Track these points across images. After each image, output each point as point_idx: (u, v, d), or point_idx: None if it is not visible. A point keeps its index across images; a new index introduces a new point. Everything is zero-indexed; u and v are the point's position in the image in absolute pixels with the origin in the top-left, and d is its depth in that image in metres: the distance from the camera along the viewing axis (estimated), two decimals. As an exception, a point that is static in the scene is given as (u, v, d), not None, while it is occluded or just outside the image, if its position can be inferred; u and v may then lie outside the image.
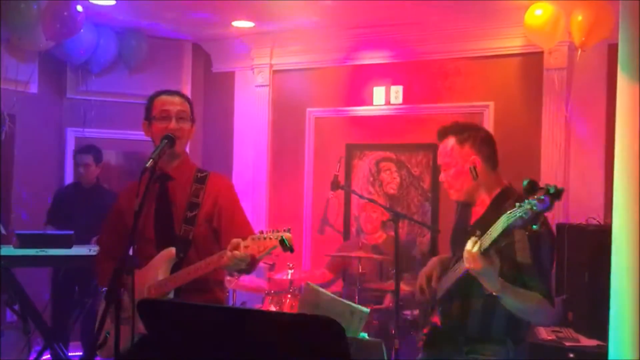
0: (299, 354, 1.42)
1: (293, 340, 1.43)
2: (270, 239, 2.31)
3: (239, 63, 6.06)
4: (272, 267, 4.99)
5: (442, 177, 2.55)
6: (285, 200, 5.86)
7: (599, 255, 3.80)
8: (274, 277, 4.85)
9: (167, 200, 2.61)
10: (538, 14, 4.48)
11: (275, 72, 5.91)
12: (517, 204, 1.98)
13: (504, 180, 2.55)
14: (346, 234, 5.59)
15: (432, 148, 5.23)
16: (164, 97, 2.68)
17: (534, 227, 1.95)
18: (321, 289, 2.01)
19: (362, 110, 5.57)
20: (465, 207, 2.62)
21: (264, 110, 5.92)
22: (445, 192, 5.13)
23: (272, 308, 4.46)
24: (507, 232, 2.03)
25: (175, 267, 2.53)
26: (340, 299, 1.96)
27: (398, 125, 5.40)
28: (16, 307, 4.32)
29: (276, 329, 1.46)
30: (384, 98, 5.46)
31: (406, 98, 5.39)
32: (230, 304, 4.87)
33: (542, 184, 1.85)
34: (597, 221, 4.30)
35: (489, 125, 5.05)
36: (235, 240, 2.36)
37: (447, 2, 4.70)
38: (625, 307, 1.73)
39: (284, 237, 2.27)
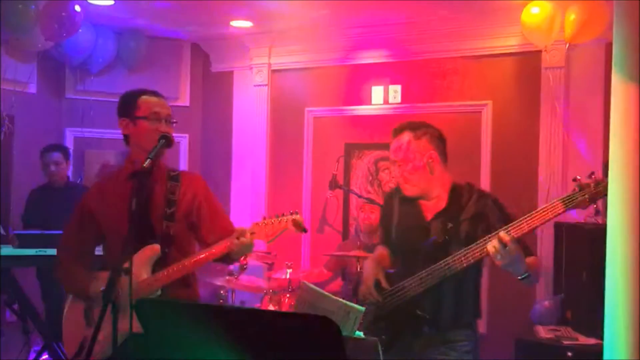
0: (295, 353, 1.42)
1: (289, 339, 1.44)
2: (279, 222, 2.40)
3: (238, 63, 6.06)
4: (270, 267, 5.00)
5: (395, 173, 2.61)
6: (283, 199, 5.86)
7: (597, 254, 3.80)
8: (272, 277, 4.86)
9: (143, 196, 2.56)
10: (535, 12, 4.49)
11: (273, 71, 5.92)
12: (575, 192, 2.30)
13: (451, 178, 2.66)
14: (345, 233, 5.60)
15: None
16: (151, 98, 2.67)
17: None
18: (317, 288, 2.02)
19: (360, 110, 5.58)
20: (409, 202, 2.65)
21: (262, 110, 5.92)
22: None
23: (271, 307, 4.47)
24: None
25: (159, 262, 2.54)
26: (336, 297, 1.96)
27: (396, 124, 5.39)
28: (15, 307, 4.33)
29: (272, 328, 1.46)
30: (383, 97, 5.47)
31: (404, 97, 5.39)
32: (230, 303, 4.88)
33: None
34: (595, 220, 4.31)
35: (487, 124, 5.06)
36: (239, 228, 2.46)
37: (445, 1, 4.71)
38: (620, 307, 1.73)
39: (296, 219, 2.37)
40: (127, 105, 2.66)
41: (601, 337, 3.64)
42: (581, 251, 4.13)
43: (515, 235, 2.27)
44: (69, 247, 2.74)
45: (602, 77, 4.59)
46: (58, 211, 4.74)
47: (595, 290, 3.82)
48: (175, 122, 2.70)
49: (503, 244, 2.23)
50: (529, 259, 2.41)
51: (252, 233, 2.44)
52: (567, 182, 4.75)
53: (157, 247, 2.54)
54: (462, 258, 2.40)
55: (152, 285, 2.50)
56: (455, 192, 2.59)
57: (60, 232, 4.23)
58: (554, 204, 2.31)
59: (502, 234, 2.25)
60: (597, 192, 2.26)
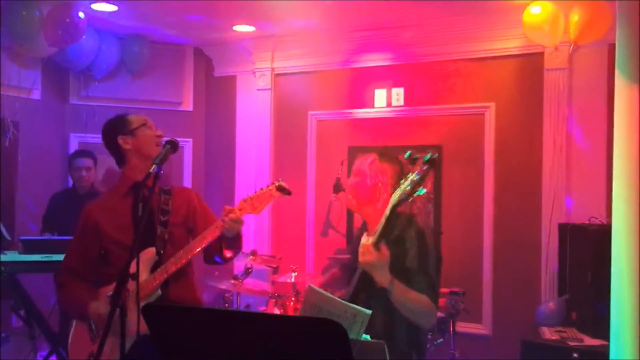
0: (302, 357, 1.43)
1: (295, 342, 1.44)
2: (264, 193, 2.57)
3: (241, 67, 6.08)
4: (275, 270, 5.01)
5: (350, 183, 2.71)
6: (287, 203, 5.86)
7: (602, 254, 3.80)
8: (277, 280, 4.86)
9: (147, 206, 2.64)
10: (536, 12, 4.49)
11: (276, 75, 5.94)
12: (402, 180, 2.36)
13: None
14: (349, 236, 5.60)
15: (434, 150, 5.24)
16: (135, 115, 2.87)
17: (421, 192, 2.31)
18: (323, 291, 2.03)
19: (363, 113, 5.58)
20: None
21: (265, 114, 5.93)
22: (447, 194, 5.13)
23: (276, 311, 4.47)
24: (394, 209, 2.33)
25: (156, 265, 2.66)
26: (343, 301, 1.97)
27: (399, 127, 5.41)
28: (21, 312, 4.34)
29: (279, 332, 1.47)
30: (385, 100, 5.47)
31: (407, 100, 5.40)
32: (235, 306, 4.89)
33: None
34: (600, 221, 4.31)
35: (490, 125, 5.06)
36: (227, 207, 2.61)
37: (447, 2, 4.71)
38: (626, 308, 1.73)
39: (281, 184, 2.52)
40: (118, 126, 2.82)
41: (606, 338, 3.64)
42: (586, 252, 4.13)
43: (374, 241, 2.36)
44: (71, 270, 2.81)
45: (605, 78, 4.59)
46: (78, 217, 4.78)
47: (600, 291, 3.82)
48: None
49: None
50: (406, 288, 2.40)
51: (240, 209, 2.59)
52: (571, 183, 4.75)
53: (152, 250, 2.66)
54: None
55: (150, 283, 2.61)
56: (392, 216, 2.46)
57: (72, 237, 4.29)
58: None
59: (363, 237, 2.43)
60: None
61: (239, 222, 2.60)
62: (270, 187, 2.59)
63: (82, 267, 2.77)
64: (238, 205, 2.61)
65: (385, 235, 2.37)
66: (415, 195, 2.32)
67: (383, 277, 2.37)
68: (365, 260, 2.37)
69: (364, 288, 2.48)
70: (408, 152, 2.42)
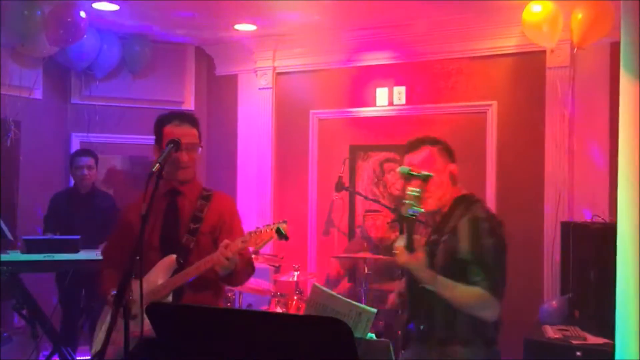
0: (307, 356, 1.43)
1: (301, 341, 1.44)
2: (266, 231, 2.48)
3: (242, 66, 6.07)
4: (277, 269, 5.01)
5: (414, 186, 2.51)
6: (289, 202, 5.87)
7: (605, 253, 3.80)
8: (279, 279, 4.86)
9: (175, 212, 2.78)
10: (536, 11, 4.48)
11: (278, 74, 5.93)
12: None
13: (462, 189, 2.67)
14: (351, 235, 5.60)
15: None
16: (173, 127, 2.74)
17: (416, 210, 2.37)
18: (328, 290, 2.03)
19: (365, 112, 5.58)
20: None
21: (267, 113, 5.93)
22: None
23: (279, 310, 4.47)
24: (407, 221, 2.39)
25: (176, 273, 2.67)
26: (348, 299, 1.97)
27: (401, 126, 5.41)
28: (24, 312, 4.34)
29: (284, 331, 1.47)
30: (387, 99, 5.47)
31: (409, 99, 5.40)
32: (237, 306, 4.89)
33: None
34: (602, 219, 4.30)
35: (492, 124, 5.05)
36: (225, 241, 2.52)
37: (449, 1, 4.71)
38: (631, 306, 1.73)
39: (279, 227, 2.44)
40: (155, 133, 2.80)
41: (610, 337, 3.63)
42: (589, 250, 4.12)
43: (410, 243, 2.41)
44: (110, 257, 2.91)
45: (608, 76, 4.58)
46: (80, 216, 4.79)
47: (603, 290, 3.81)
48: (201, 147, 2.84)
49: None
50: (452, 283, 2.39)
51: (244, 241, 2.51)
52: (573, 182, 4.74)
53: (173, 257, 2.68)
54: None
55: (160, 291, 2.62)
56: (455, 204, 2.57)
57: (77, 237, 4.30)
58: None
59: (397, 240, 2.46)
60: None
61: (231, 260, 2.49)
62: (272, 227, 2.49)
63: (117, 255, 2.80)
64: (242, 238, 2.53)
65: (410, 235, 2.41)
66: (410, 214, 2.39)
67: (423, 277, 2.39)
68: (401, 262, 2.43)
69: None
70: (405, 169, 2.52)
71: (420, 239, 2.48)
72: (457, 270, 2.38)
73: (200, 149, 2.82)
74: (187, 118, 2.81)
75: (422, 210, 2.40)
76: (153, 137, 2.82)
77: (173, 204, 2.78)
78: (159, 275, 2.66)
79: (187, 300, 2.65)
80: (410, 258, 2.38)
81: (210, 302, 2.78)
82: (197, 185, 2.87)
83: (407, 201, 2.41)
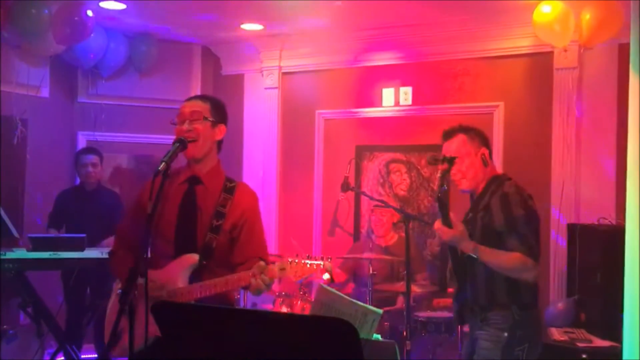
0: (313, 356, 1.42)
1: (306, 342, 1.43)
2: (312, 265, 2.35)
3: (248, 66, 6.07)
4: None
5: (453, 170, 2.81)
6: (295, 202, 5.87)
7: (611, 255, 3.79)
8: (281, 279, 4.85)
9: (194, 204, 2.59)
10: (546, 12, 4.46)
11: (284, 74, 5.93)
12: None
13: (496, 170, 2.96)
14: (356, 235, 5.59)
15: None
16: (185, 102, 2.66)
17: (444, 188, 2.67)
18: (334, 291, 2.02)
19: (371, 112, 5.57)
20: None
21: (273, 113, 5.93)
22: (455, 192, 5.12)
23: (283, 310, 4.47)
24: (439, 200, 2.71)
25: (195, 273, 2.52)
26: (354, 300, 1.96)
27: (407, 126, 5.40)
28: (29, 309, 4.35)
29: (289, 331, 1.46)
30: (393, 99, 5.46)
31: (415, 99, 5.38)
32: (242, 305, 4.88)
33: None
34: (609, 221, 4.28)
35: (499, 125, 5.03)
36: (261, 264, 2.37)
37: (456, 2, 4.69)
38: (639, 309, 1.72)
39: (327, 269, 2.34)
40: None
41: (616, 340, 3.62)
42: (595, 252, 4.10)
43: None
44: (122, 239, 2.73)
45: (615, 77, 4.55)
46: (88, 213, 4.80)
47: (609, 292, 3.80)
48: (211, 120, 2.60)
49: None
50: (491, 249, 2.65)
51: (282, 269, 2.37)
52: (580, 183, 4.72)
53: (195, 257, 2.51)
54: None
55: (186, 296, 2.47)
56: (489, 183, 2.83)
57: (83, 235, 4.30)
58: None
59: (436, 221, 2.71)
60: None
61: (269, 285, 2.38)
62: (318, 264, 2.37)
63: (131, 236, 2.62)
64: (281, 264, 2.38)
65: (445, 213, 2.67)
66: (443, 190, 2.70)
67: (465, 247, 2.66)
68: (444, 238, 2.71)
69: (456, 253, 2.79)
70: (431, 157, 2.90)
71: (455, 215, 2.69)
72: (494, 243, 2.65)
73: (210, 122, 2.58)
74: (199, 96, 2.74)
75: (446, 188, 2.68)
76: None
77: (191, 194, 2.58)
78: (178, 276, 2.49)
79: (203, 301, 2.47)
80: (452, 232, 2.64)
81: (224, 301, 2.62)
82: (219, 174, 2.66)
83: (438, 184, 2.71)
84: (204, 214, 2.57)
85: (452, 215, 2.68)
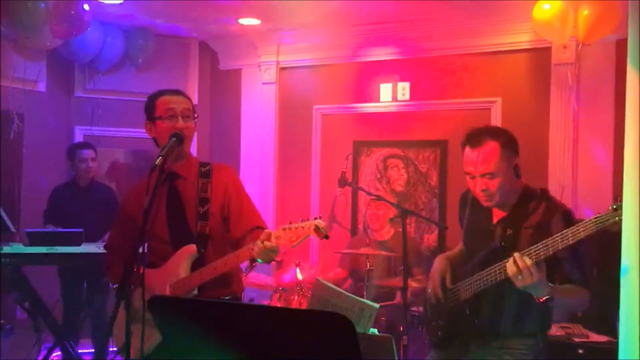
0: (309, 350, 1.42)
1: (303, 336, 1.43)
2: (303, 227, 2.35)
3: (246, 60, 6.06)
4: (279, 265, 5.00)
5: (481, 184, 2.39)
6: (292, 197, 5.86)
7: (608, 250, 3.79)
8: (281, 275, 4.85)
9: (178, 198, 2.63)
10: (546, 8, 4.46)
11: (282, 69, 5.91)
12: (612, 209, 2.12)
13: (522, 179, 2.53)
14: (354, 231, 5.59)
15: (440, 145, 5.23)
16: (166, 97, 2.67)
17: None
18: (331, 285, 2.02)
19: (369, 107, 5.56)
20: (482, 206, 2.52)
21: (270, 108, 5.92)
22: (453, 189, 5.08)
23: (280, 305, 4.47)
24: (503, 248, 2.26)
25: (196, 263, 2.55)
26: (350, 294, 1.96)
27: (405, 122, 5.40)
28: (26, 304, 4.35)
29: (286, 325, 1.46)
30: (391, 95, 5.45)
31: (413, 95, 5.38)
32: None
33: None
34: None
35: (496, 121, 5.03)
36: (266, 231, 2.40)
37: (454, -2, 4.69)
38: (635, 305, 1.71)
39: (318, 225, 2.31)
40: (148, 108, 2.69)
41: (612, 335, 3.62)
42: (591, 248, 4.10)
43: (536, 259, 2.14)
44: (115, 253, 2.76)
45: (613, 73, 4.56)
46: (82, 209, 4.79)
47: (606, 288, 3.80)
48: (197, 117, 2.69)
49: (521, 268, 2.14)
50: (563, 288, 2.27)
51: (277, 237, 2.39)
52: (577, 179, 4.73)
53: (193, 247, 2.55)
54: (497, 270, 2.32)
55: (187, 285, 2.50)
56: (524, 197, 2.45)
57: (80, 230, 4.30)
58: (586, 224, 2.17)
59: (517, 257, 2.14)
60: None
61: (275, 251, 2.40)
62: (309, 223, 2.36)
63: (123, 248, 2.66)
64: (276, 232, 2.39)
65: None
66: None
67: (543, 292, 2.20)
68: (526, 284, 2.16)
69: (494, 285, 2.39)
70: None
71: (520, 256, 2.19)
72: (551, 269, 2.25)
73: (194, 122, 2.66)
74: (179, 91, 2.72)
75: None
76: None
77: (174, 190, 2.64)
78: (179, 268, 2.53)
79: (211, 294, 2.53)
80: (539, 276, 2.15)
81: (232, 281, 2.65)
82: (193, 163, 2.71)
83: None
84: (189, 205, 2.62)
85: (516, 256, 2.19)
